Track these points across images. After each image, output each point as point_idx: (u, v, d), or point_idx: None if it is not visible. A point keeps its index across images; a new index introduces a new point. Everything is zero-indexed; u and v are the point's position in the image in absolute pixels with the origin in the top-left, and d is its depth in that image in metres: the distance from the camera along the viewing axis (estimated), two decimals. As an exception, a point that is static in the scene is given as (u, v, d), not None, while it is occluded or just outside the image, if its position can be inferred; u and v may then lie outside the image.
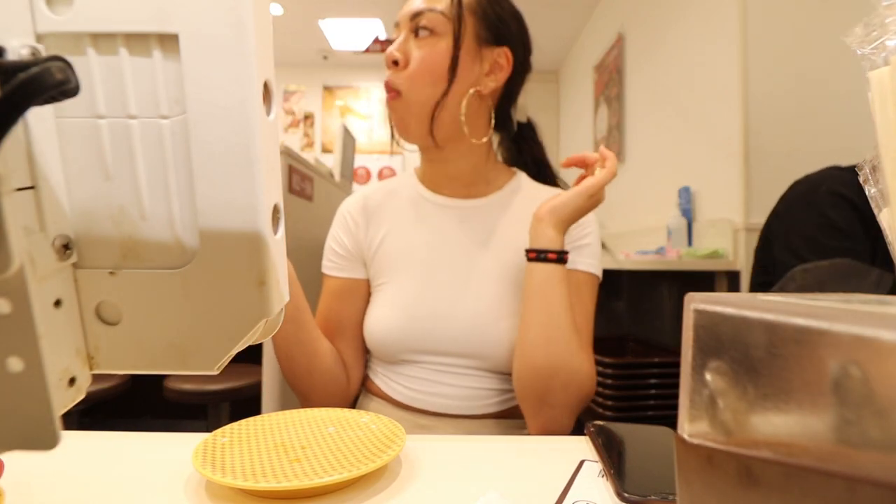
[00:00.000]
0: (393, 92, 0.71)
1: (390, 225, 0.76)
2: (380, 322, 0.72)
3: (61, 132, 0.19)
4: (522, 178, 0.80)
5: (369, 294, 0.78)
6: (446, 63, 0.69)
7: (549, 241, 0.64)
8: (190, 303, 0.19)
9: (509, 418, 0.72)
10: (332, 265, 0.77)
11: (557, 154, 4.69)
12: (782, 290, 0.93)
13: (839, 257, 0.88)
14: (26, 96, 0.14)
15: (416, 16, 0.70)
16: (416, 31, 0.70)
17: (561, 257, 0.64)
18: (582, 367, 0.64)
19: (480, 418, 0.70)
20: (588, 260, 0.74)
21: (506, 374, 0.71)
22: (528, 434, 0.74)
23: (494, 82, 0.73)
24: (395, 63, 0.70)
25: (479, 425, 0.70)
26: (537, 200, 0.75)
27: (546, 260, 0.64)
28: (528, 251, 0.65)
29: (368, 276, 0.78)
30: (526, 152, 0.83)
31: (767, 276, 1.06)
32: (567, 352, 0.63)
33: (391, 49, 0.70)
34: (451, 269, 0.72)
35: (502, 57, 0.73)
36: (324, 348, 0.71)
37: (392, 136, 0.78)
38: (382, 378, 0.74)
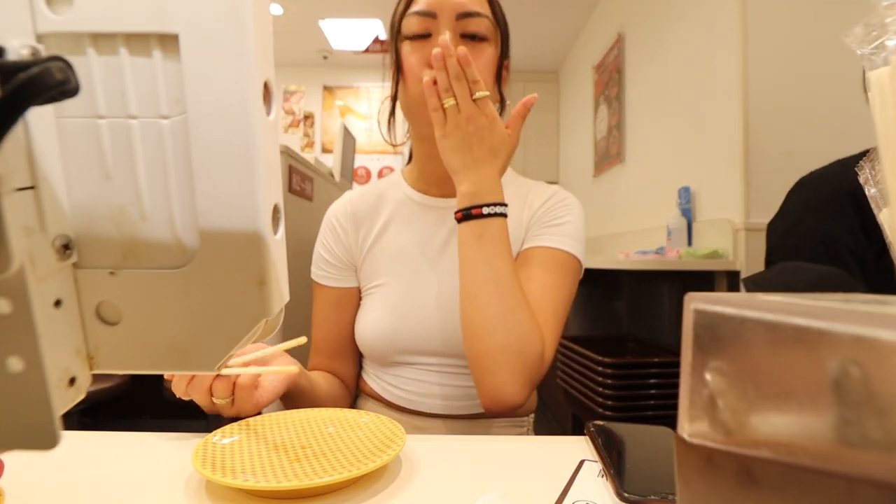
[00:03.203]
0: None
1: (379, 230, 0.76)
2: (371, 325, 0.71)
3: (61, 132, 0.19)
4: (509, 174, 0.79)
5: (360, 301, 0.78)
6: (495, 71, 0.68)
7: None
8: (190, 303, 0.19)
9: (504, 417, 0.72)
10: (325, 275, 0.77)
11: (558, 154, 4.69)
12: (760, 283, 0.92)
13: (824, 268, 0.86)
14: (26, 96, 0.14)
15: (466, 16, 0.66)
16: (465, 34, 0.66)
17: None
18: (522, 329, 0.59)
19: (475, 418, 0.70)
20: (566, 239, 0.70)
21: None
22: (522, 435, 0.74)
23: (501, 92, 0.74)
24: None
25: (475, 426, 0.70)
26: (523, 195, 0.75)
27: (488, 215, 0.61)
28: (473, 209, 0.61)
29: (359, 283, 0.78)
30: None
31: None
32: (500, 314, 0.59)
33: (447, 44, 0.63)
34: (440, 269, 0.72)
35: (505, 68, 0.74)
36: (324, 394, 0.71)
37: (390, 132, 0.76)
38: (376, 380, 0.74)
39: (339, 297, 0.76)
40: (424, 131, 0.69)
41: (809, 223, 0.94)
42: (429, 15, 0.66)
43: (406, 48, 0.68)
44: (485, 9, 0.67)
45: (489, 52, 0.67)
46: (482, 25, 0.66)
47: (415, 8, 0.67)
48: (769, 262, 1.03)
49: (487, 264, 0.59)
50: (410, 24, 0.67)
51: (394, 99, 0.73)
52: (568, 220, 0.71)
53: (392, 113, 0.75)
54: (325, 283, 0.77)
